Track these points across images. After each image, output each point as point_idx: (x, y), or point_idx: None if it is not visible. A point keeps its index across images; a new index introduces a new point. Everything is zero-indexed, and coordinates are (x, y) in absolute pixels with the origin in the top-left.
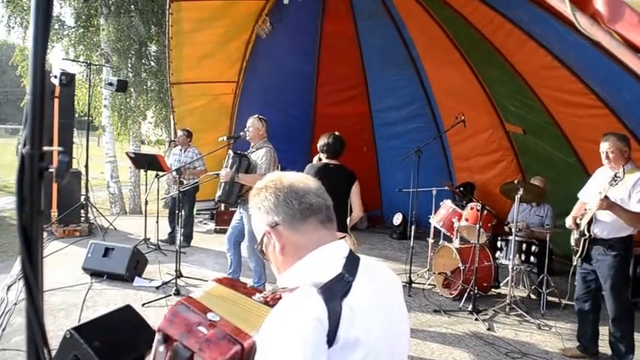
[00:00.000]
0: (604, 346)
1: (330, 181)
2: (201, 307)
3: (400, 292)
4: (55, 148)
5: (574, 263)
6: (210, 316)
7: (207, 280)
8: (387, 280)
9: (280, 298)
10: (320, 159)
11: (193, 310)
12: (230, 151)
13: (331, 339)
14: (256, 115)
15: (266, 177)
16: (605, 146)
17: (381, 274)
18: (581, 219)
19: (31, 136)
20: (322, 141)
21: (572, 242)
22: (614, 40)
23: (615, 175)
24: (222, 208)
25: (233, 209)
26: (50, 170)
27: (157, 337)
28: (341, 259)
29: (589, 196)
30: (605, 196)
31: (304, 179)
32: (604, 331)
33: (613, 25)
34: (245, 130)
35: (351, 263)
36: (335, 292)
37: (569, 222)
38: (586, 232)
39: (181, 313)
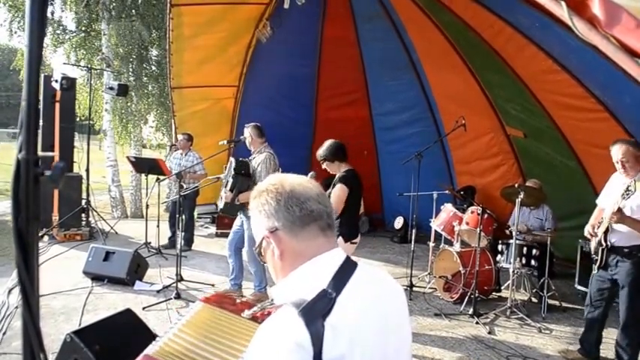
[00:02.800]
0: (605, 349)
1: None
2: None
3: (401, 301)
4: (50, 153)
5: (593, 272)
6: None
7: (207, 284)
8: (384, 289)
9: (269, 314)
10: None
11: None
12: (232, 159)
13: None
14: (245, 125)
15: (267, 179)
16: (619, 155)
17: (379, 282)
18: (598, 227)
19: (26, 142)
20: (338, 146)
21: (592, 250)
22: (611, 45)
23: (627, 189)
24: None
25: None
26: (46, 175)
27: None
28: (333, 270)
29: (606, 203)
30: (619, 209)
31: (305, 183)
32: (605, 335)
33: (610, 29)
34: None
35: (342, 275)
36: (316, 311)
37: (587, 231)
38: (603, 241)
39: None
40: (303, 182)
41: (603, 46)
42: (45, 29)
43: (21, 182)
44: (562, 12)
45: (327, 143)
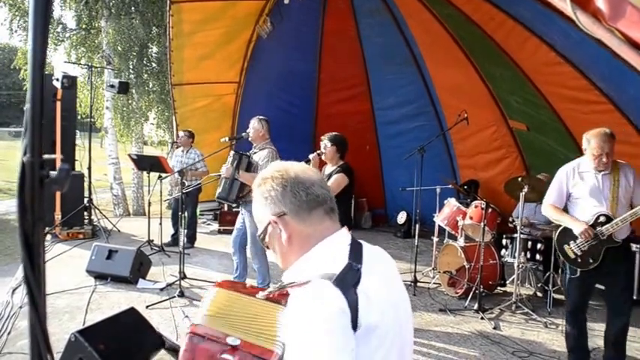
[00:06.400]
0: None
1: None
2: (216, 333)
3: (398, 273)
4: (53, 155)
5: (574, 276)
6: (229, 340)
7: (210, 282)
8: (387, 263)
9: (287, 294)
10: (320, 159)
11: (210, 339)
12: (231, 152)
13: (354, 327)
14: (257, 117)
15: (271, 167)
16: (605, 147)
17: (382, 257)
18: (599, 225)
19: (31, 144)
20: (347, 143)
21: (579, 252)
22: (615, 38)
23: None
24: (226, 208)
25: (237, 210)
26: (51, 178)
27: None
28: (346, 247)
29: (589, 200)
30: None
31: (308, 170)
32: (600, 328)
33: (614, 22)
34: (247, 131)
35: (356, 251)
36: (348, 281)
37: (589, 232)
38: (615, 238)
39: (200, 344)
40: (305, 169)
41: (607, 39)
42: (48, 32)
43: (26, 185)
44: (565, 5)
45: (341, 135)
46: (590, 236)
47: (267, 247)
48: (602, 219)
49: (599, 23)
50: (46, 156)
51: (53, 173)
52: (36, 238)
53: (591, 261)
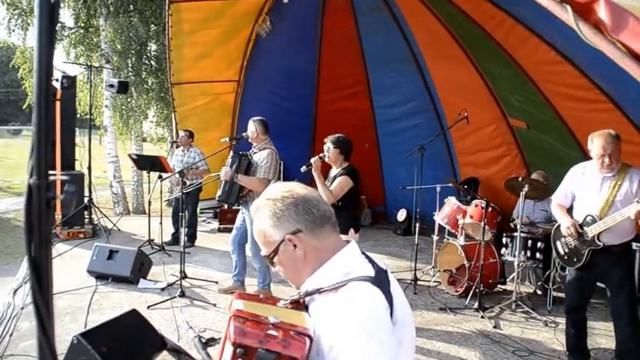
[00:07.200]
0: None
1: None
2: (257, 315)
3: None
4: (59, 177)
5: (568, 274)
6: (271, 319)
7: (211, 281)
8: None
9: (304, 303)
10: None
11: (254, 319)
12: (231, 153)
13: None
14: (252, 118)
15: (276, 188)
16: (608, 148)
17: None
18: (586, 226)
19: (37, 166)
20: (351, 145)
21: (566, 250)
22: (617, 50)
23: None
24: (226, 206)
25: (237, 207)
26: (58, 198)
27: (237, 351)
28: (361, 257)
29: (592, 198)
30: None
31: (310, 190)
32: (601, 327)
33: (616, 34)
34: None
35: (371, 260)
36: (383, 282)
37: (571, 230)
38: (597, 241)
39: (247, 323)
40: (307, 188)
41: (609, 51)
42: (53, 57)
43: (33, 207)
44: (567, 16)
45: (344, 137)
46: (573, 234)
47: (274, 266)
48: (589, 219)
49: (601, 35)
50: (52, 178)
51: (59, 195)
52: (43, 260)
53: (575, 260)
